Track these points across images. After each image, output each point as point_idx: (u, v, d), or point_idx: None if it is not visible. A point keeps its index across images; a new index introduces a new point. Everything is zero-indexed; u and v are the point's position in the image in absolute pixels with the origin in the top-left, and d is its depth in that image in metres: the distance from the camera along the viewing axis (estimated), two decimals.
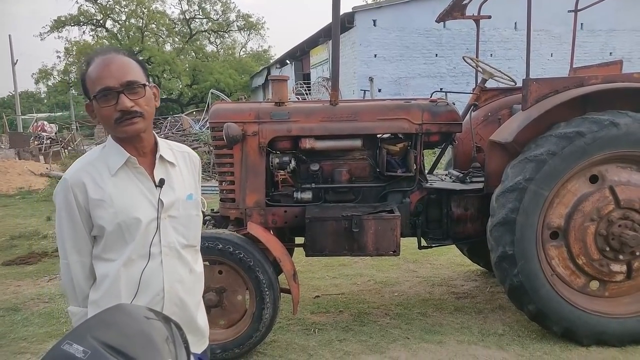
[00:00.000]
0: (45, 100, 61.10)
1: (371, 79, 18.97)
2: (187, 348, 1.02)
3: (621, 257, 3.52)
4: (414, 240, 4.18)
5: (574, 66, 4.97)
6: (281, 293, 3.62)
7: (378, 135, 4.06)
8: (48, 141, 20.49)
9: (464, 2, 4.49)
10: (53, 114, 46.43)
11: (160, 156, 1.68)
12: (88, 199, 1.59)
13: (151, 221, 1.62)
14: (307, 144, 3.87)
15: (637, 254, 3.51)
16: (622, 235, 3.48)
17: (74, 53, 35.97)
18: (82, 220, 1.61)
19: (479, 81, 4.59)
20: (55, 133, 23.70)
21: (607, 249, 3.52)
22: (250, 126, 3.85)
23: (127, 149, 1.64)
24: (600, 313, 3.57)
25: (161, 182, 1.65)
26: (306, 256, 3.85)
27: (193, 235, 1.74)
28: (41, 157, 17.72)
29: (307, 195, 3.96)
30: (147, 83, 1.61)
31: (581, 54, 17.11)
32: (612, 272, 3.56)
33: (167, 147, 1.74)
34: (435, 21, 4.90)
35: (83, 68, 1.63)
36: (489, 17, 4.79)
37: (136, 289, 1.59)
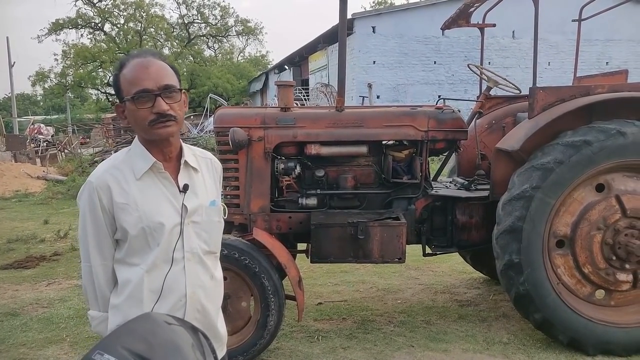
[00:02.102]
0: (42, 103, 60.90)
1: (370, 86, 19.00)
2: (215, 358, 1.00)
3: (627, 266, 3.51)
4: (415, 247, 4.16)
5: (576, 75, 4.98)
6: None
7: (383, 142, 4.05)
8: (44, 144, 20.38)
9: (470, 10, 4.50)
10: (49, 117, 46.29)
11: (185, 162, 1.69)
12: (113, 202, 1.59)
13: (175, 226, 1.62)
14: (313, 149, 3.86)
15: None
16: (629, 244, 3.47)
17: (72, 56, 35.90)
18: (106, 223, 1.61)
19: (483, 89, 4.59)
20: (52, 136, 23.60)
21: (614, 257, 3.52)
22: (255, 131, 3.84)
23: (153, 152, 1.64)
24: (606, 322, 3.56)
25: (185, 188, 1.65)
26: (311, 262, 3.83)
27: (214, 241, 1.74)
28: (38, 160, 17.63)
29: (312, 201, 3.95)
30: (181, 88, 1.64)
31: (578, 63, 17.20)
32: (618, 281, 3.55)
33: (190, 153, 1.74)
34: (441, 28, 4.90)
35: (116, 69, 1.64)
36: (494, 25, 4.80)
37: (159, 294, 1.59)
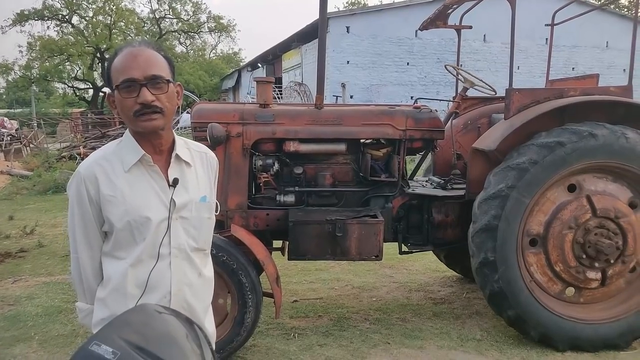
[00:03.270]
0: (4, 96, 58.95)
1: (343, 85, 19.08)
2: (212, 350, 0.99)
3: (596, 264, 3.61)
4: (389, 245, 4.17)
5: (549, 79, 5.11)
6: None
7: (362, 140, 4.07)
8: (8, 138, 19.73)
9: (448, 12, 4.57)
10: (12, 110, 44.83)
11: (176, 155, 1.64)
12: (100, 193, 1.55)
13: (162, 221, 1.57)
14: (291, 146, 3.85)
15: (612, 261, 3.61)
16: (598, 243, 3.58)
17: (37, 48, 34.80)
18: (93, 215, 1.57)
19: (459, 90, 4.66)
20: (16, 130, 22.86)
21: (584, 256, 3.62)
22: (234, 127, 3.80)
23: (143, 145, 1.60)
24: (575, 319, 3.66)
25: (175, 182, 1.61)
26: (288, 260, 3.81)
27: (204, 238, 1.69)
28: (1, 155, 17.07)
29: (290, 198, 3.94)
30: (171, 80, 1.58)
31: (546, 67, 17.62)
32: (587, 279, 3.65)
33: (184, 146, 1.69)
34: (419, 29, 4.95)
35: (111, 57, 1.59)
36: (470, 27, 4.88)
37: (143, 289, 1.55)
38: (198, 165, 1.71)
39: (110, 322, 0.95)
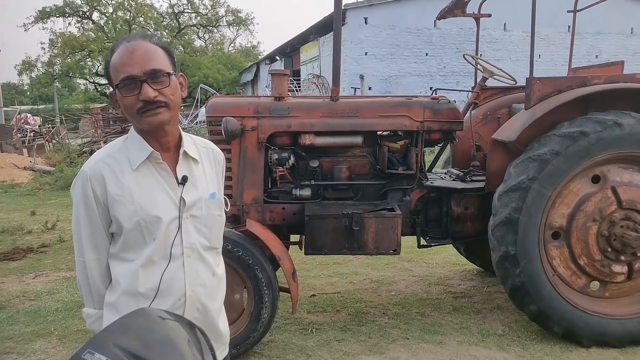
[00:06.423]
0: (28, 92, 60.11)
1: (362, 77, 18.94)
2: (214, 356, 0.95)
3: (622, 257, 3.50)
4: (408, 238, 4.11)
5: (572, 67, 4.95)
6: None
7: (378, 132, 4.00)
8: (32, 134, 20.08)
9: (466, 0, 4.45)
10: (36, 107, 45.68)
11: (184, 152, 1.59)
12: (107, 193, 1.50)
13: (172, 220, 1.53)
14: (307, 140, 3.80)
15: (639, 254, 3.49)
16: (624, 236, 3.46)
17: (59, 45, 35.36)
18: (100, 216, 1.53)
19: (478, 79, 4.55)
20: (39, 126, 23.26)
21: (609, 249, 3.50)
22: (249, 121, 3.76)
23: (150, 142, 1.55)
24: (601, 314, 3.55)
25: (184, 180, 1.56)
26: (305, 254, 3.77)
27: (215, 236, 1.64)
28: (24, 150, 17.38)
29: (306, 192, 3.89)
30: (172, 72, 1.52)
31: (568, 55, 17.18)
32: (613, 273, 3.54)
33: (191, 143, 1.64)
34: (437, 18, 4.84)
35: (108, 55, 1.54)
36: (489, 15, 4.75)
37: (155, 292, 1.50)
38: (205, 162, 1.67)
39: (107, 328, 0.92)
